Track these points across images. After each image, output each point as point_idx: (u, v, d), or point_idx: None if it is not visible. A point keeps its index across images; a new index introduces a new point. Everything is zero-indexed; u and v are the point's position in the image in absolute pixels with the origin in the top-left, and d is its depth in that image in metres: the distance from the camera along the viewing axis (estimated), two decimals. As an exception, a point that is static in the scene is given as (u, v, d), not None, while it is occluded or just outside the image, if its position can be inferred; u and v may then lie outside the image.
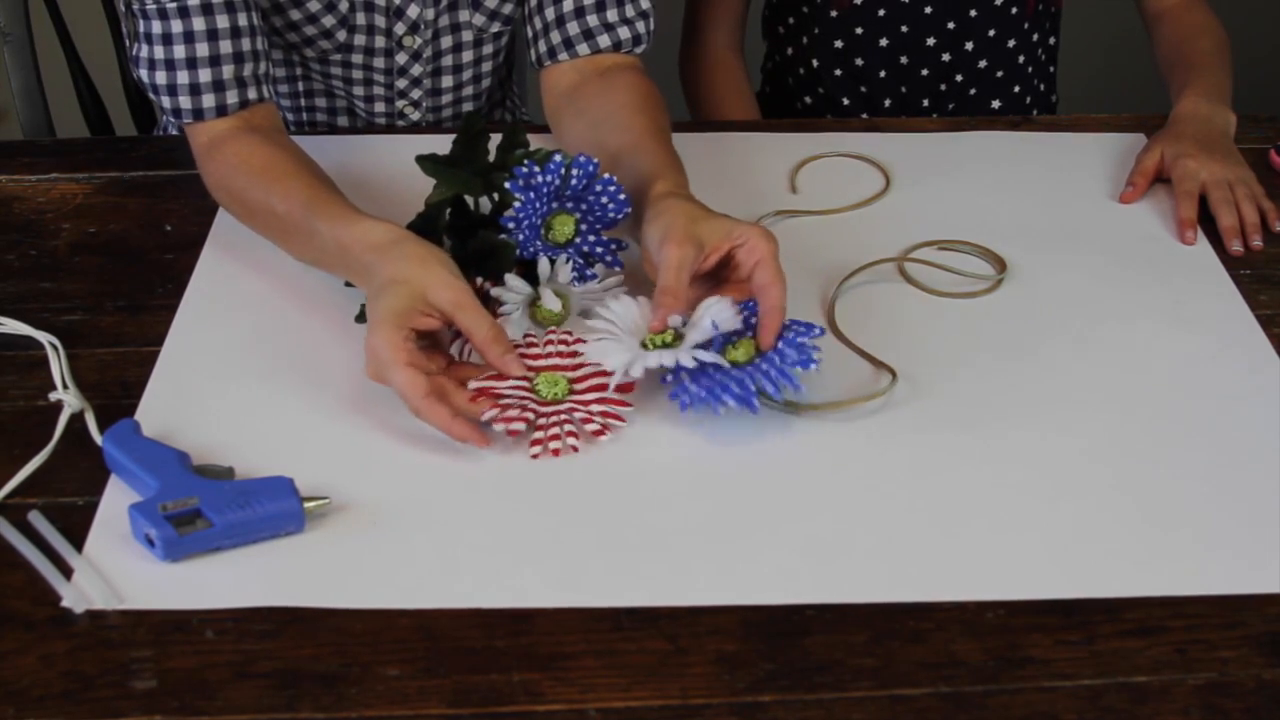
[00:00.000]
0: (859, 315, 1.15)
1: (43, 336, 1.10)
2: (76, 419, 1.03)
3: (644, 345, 1.04)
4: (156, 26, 1.18)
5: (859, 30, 1.57)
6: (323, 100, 1.40)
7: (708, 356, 1.02)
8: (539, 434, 1.01)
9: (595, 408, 1.02)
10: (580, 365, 1.05)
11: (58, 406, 1.04)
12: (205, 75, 1.18)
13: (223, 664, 0.86)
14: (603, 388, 1.03)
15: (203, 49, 1.17)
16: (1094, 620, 0.90)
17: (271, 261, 1.18)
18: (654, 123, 1.22)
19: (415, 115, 1.41)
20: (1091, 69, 2.36)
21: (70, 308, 1.14)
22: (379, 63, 1.35)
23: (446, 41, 1.36)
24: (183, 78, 1.18)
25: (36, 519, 0.94)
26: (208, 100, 1.18)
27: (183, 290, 1.15)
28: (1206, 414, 1.06)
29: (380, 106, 1.40)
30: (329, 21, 1.31)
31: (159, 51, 1.18)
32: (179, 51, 1.17)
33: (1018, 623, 0.90)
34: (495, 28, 1.38)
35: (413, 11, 1.32)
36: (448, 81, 1.40)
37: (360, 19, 1.32)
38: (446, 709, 0.84)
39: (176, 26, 1.17)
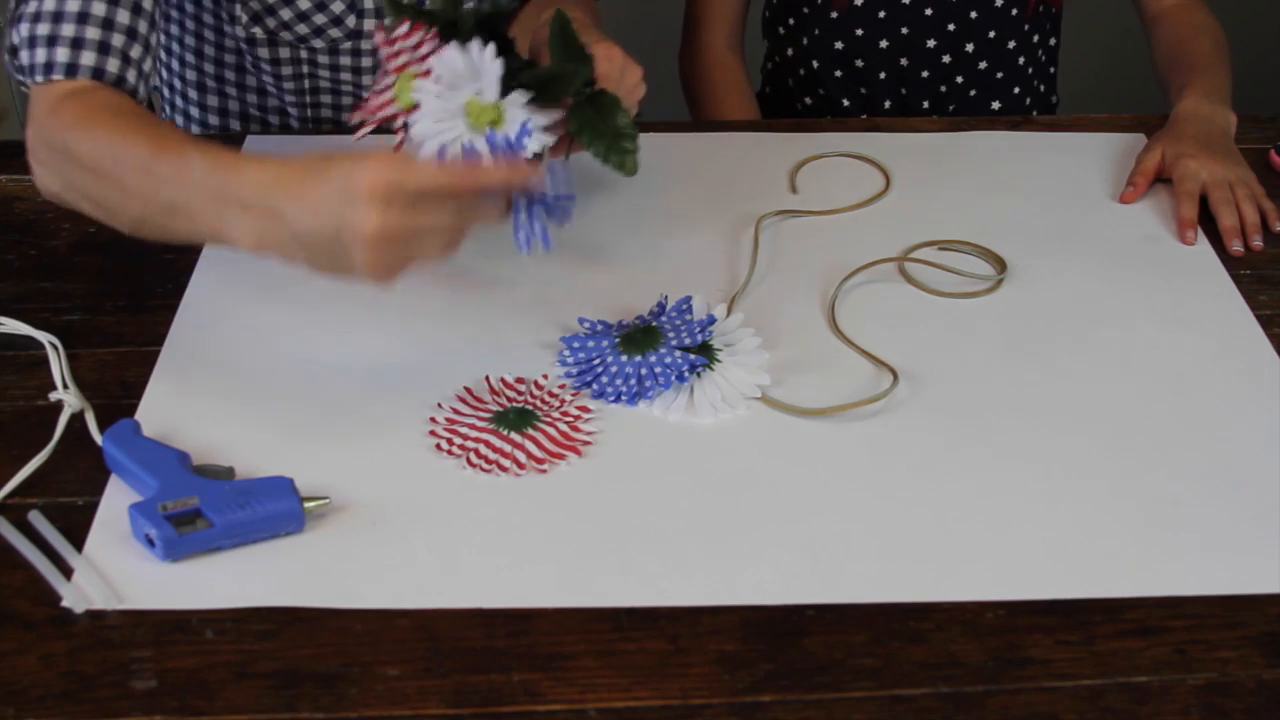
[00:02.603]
0: (859, 315, 1.15)
1: (43, 336, 1.10)
2: (76, 419, 1.03)
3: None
4: None
5: (859, 32, 1.57)
6: (328, 98, 1.40)
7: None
8: (516, 463, 1.01)
9: (562, 425, 1.03)
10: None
11: (58, 406, 1.04)
12: (94, 33, 1.10)
13: (223, 664, 0.86)
14: (567, 415, 1.04)
15: (99, 8, 1.11)
16: (1094, 620, 0.90)
17: (272, 261, 1.17)
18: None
19: None
20: (1091, 70, 2.36)
21: (70, 308, 1.14)
22: None
23: None
24: (68, 29, 1.10)
25: (36, 519, 0.94)
26: (87, 58, 1.10)
27: (183, 290, 1.15)
28: (1206, 414, 1.06)
29: None
30: (338, 7, 1.31)
31: (50, 3, 1.11)
32: (72, 5, 1.11)
33: (1018, 623, 0.90)
34: None
35: None
36: None
37: (369, 2, 1.32)
38: (446, 709, 0.84)
39: None
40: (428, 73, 1.07)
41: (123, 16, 1.12)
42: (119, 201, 1.05)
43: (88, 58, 1.11)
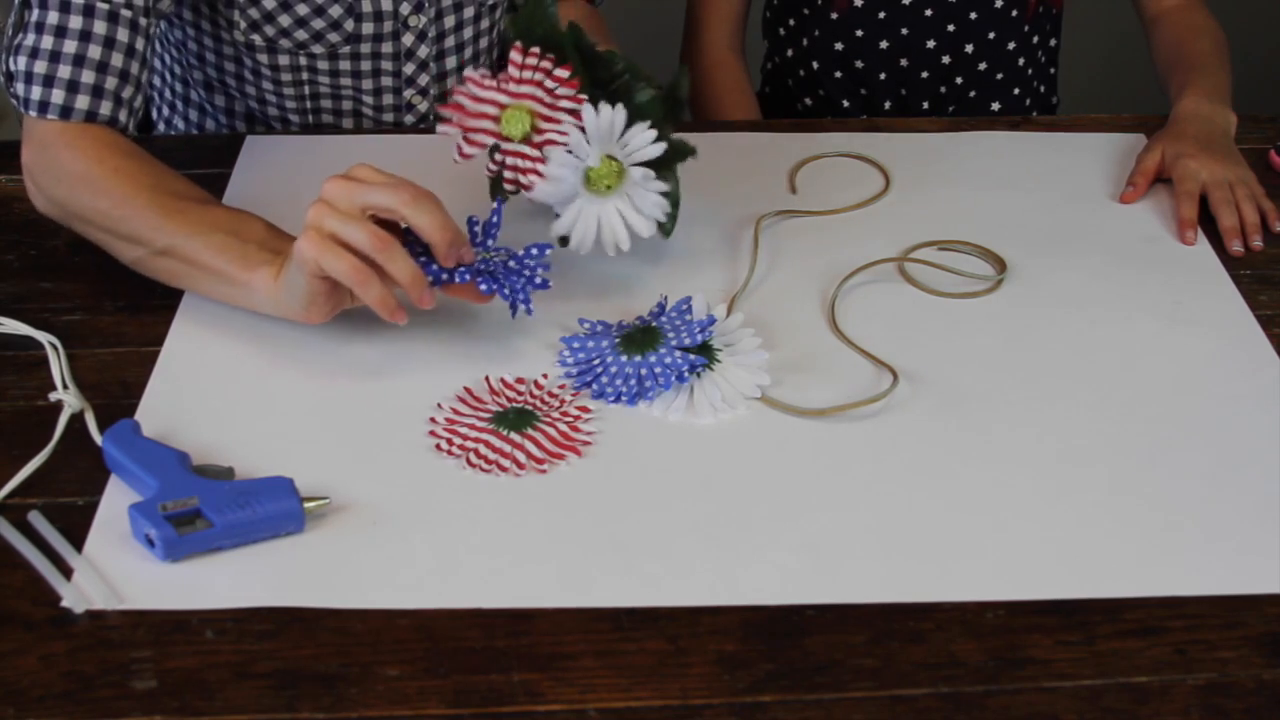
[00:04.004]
0: (859, 315, 1.15)
1: (42, 336, 1.10)
2: (76, 419, 1.03)
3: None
4: (53, 17, 1.15)
5: (859, 33, 1.57)
6: (329, 102, 1.40)
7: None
8: (513, 462, 1.01)
9: (562, 425, 1.03)
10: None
11: (58, 406, 1.04)
12: (89, 77, 1.15)
13: (223, 664, 0.86)
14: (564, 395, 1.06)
15: (95, 51, 1.15)
16: (1094, 620, 0.90)
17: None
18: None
19: (423, 106, 1.42)
20: (1091, 70, 2.36)
21: (70, 308, 1.14)
22: (387, 48, 1.36)
23: (450, 20, 1.38)
24: (65, 72, 1.15)
25: (36, 519, 0.94)
26: (81, 102, 1.15)
27: (183, 290, 1.15)
28: (1206, 414, 1.06)
29: (388, 99, 1.40)
30: (336, 12, 1.31)
31: (47, 41, 1.15)
32: (70, 46, 1.15)
33: (1018, 623, 0.90)
34: None
35: None
36: (452, 63, 1.41)
37: (367, 5, 1.32)
38: (446, 709, 0.84)
39: (75, 23, 1.15)
40: (548, 117, 1.08)
41: (116, 60, 1.17)
42: (131, 226, 1.12)
43: (82, 101, 1.16)
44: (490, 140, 1.10)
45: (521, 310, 1.07)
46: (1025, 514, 0.97)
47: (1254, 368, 1.11)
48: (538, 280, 1.07)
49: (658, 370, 1.05)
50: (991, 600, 0.91)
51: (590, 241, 1.11)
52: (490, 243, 1.08)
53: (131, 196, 1.11)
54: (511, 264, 1.07)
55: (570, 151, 1.08)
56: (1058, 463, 1.02)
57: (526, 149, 1.09)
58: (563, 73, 1.09)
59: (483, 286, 1.05)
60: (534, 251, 1.08)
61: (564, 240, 1.12)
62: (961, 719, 0.84)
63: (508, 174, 1.10)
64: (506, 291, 1.06)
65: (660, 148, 1.08)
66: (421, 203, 1.01)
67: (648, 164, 1.09)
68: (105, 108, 1.16)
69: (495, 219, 1.08)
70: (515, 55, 1.10)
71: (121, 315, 1.14)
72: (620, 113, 1.07)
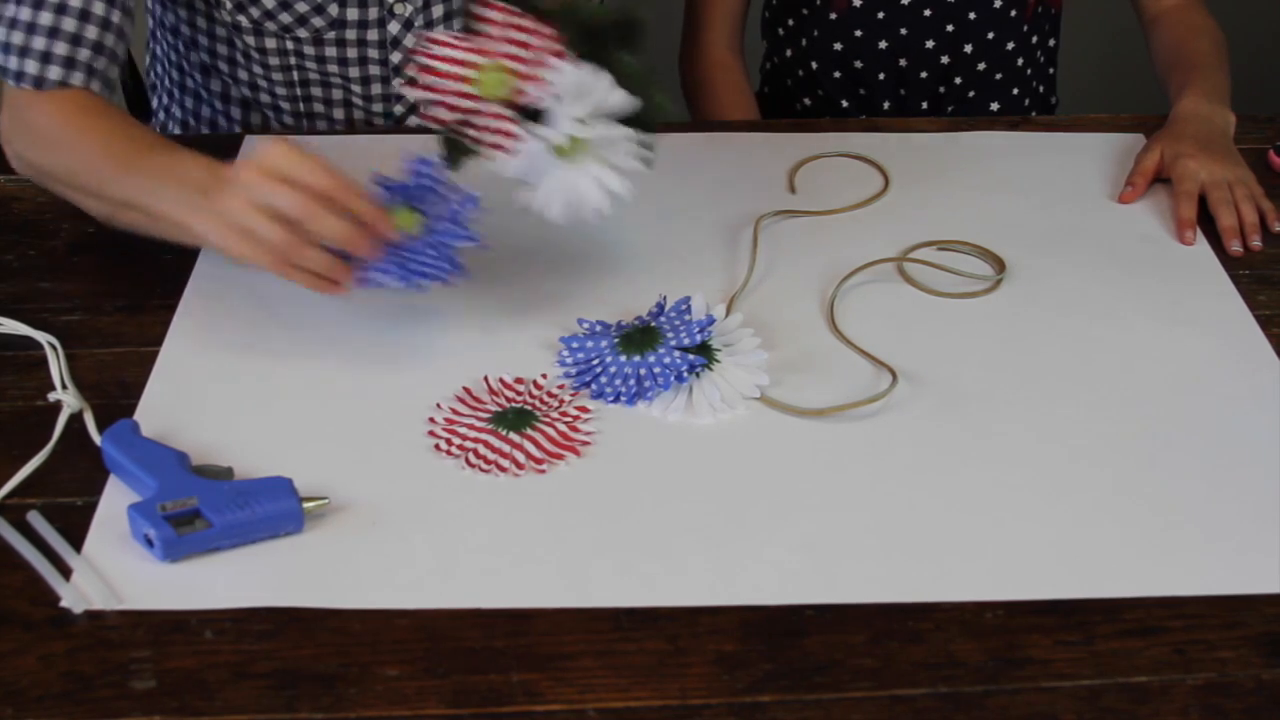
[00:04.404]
0: (859, 315, 1.15)
1: (41, 336, 1.10)
2: (75, 419, 1.03)
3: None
4: None
5: (858, 33, 1.57)
6: (319, 90, 1.40)
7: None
8: (512, 461, 1.01)
9: (561, 425, 1.03)
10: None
11: (57, 407, 1.04)
12: (61, 49, 1.17)
13: (222, 664, 0.86)
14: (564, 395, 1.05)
15: (69, 24, 1.17)
16: (1093, 620, 0.90)
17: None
18: None
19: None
20: (1091, 70, 2.36)
21: (69, 308, 1.14)
22: (373, 35, 1.36)
23: (438, 9, 1.37)
24: (38, 43, 1.17)
25: (35, 519, 0.94)
26: (54, 73, 1.17)
27: (182, 290, 1.15)
28: (1206, 414, 1.06)
29: (376, 89, 1.40)
30: None
31: (25, 13, 1.17)
32: (45, 19, 1.17)
33: (1017, 623, 0.90)
34: None
35: None
36: None
37: None
38: (446, 709, 0.84)
39: None
40: (526, 75, 1.05)
41: (90, 32, 1.19)
42: (99, 178, 1.15)
43: (55, 72, 1.18)
44: (467, 103, 1.06)
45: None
46: (1024, 514, 0.97)
47: (1253, 368, 1.11)
48: (464, 233, 1.04)
49: (657, 370, 1.05)
50: (990, 600, 0.91)
51: (574, 211, 1.08)
52: (425, 205, 1.06)
53: (94, 153, 1.15)
54: (438, 226, 1.05)
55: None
56: (1056, 463, 1.02)
57: (507, 111, 1.06)
58: (541, 28, 1.06)
59: (396, 283, 1.04)
60: (458, 210, 1.04)
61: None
62: (961, 719, 0.84)
63: (488, 138, 1.06)
64: (419, 285, 1.04)
65: (622, 96, 1.04)
66: (323, 218, 1.01)
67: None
68: (77, 78, 1.18)
69: (426, 178, 1.05)
70: (493, 13, 1.06)
71: (121, 315, 1.14)
72: (578, 72, 1.03)
